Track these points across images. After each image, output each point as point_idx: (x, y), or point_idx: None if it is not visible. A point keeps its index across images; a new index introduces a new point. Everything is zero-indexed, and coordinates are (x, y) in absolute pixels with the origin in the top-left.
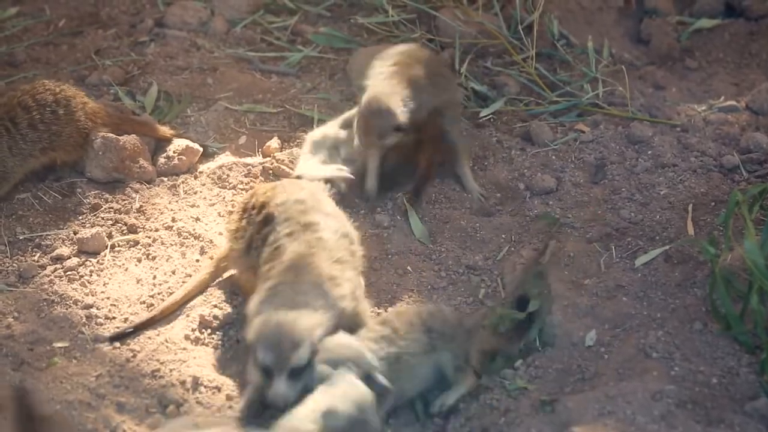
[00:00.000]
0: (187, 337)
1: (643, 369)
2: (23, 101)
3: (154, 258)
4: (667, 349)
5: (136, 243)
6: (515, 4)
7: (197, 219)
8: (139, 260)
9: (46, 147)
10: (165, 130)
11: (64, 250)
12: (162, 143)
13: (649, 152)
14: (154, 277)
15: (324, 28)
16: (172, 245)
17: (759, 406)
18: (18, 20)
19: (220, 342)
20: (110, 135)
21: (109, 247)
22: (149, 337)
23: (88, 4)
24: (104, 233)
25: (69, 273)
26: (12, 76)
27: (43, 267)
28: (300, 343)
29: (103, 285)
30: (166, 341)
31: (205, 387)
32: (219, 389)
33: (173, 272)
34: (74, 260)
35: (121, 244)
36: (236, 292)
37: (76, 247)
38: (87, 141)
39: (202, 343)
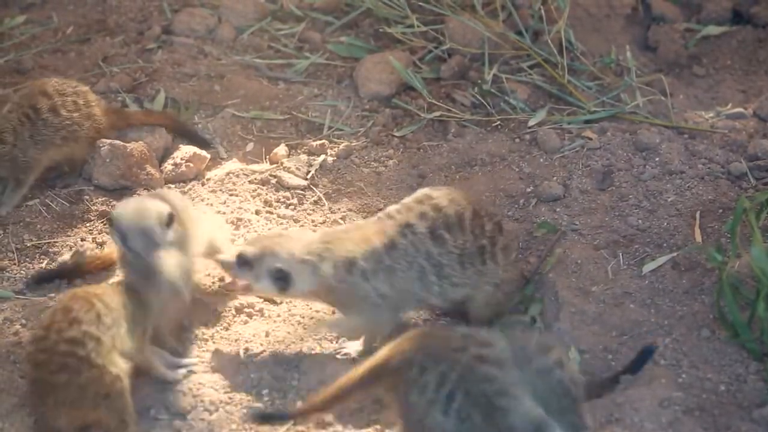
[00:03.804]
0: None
1: (650, 376)
2: (44, 89)
3: None
4: (674, 357)
5: None
6: (525, 13)
7: None
8: None
9: (67, 136)
10: (168, 113)
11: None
12: (170, 150)
13: (657, 159)
14: None
15: (344, 37)
16: None
17: (766, 413)
18: (26, 28)
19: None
20: (117, 142)
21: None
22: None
23: (95, 11)
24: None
25: (76, 280)
26: (20, 83)
27: None
28: None
29: None
30: None
31: (211, 392)
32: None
33: None
34: None
35: None
36: None
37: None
38: (99, 138)
39: (207, 352)
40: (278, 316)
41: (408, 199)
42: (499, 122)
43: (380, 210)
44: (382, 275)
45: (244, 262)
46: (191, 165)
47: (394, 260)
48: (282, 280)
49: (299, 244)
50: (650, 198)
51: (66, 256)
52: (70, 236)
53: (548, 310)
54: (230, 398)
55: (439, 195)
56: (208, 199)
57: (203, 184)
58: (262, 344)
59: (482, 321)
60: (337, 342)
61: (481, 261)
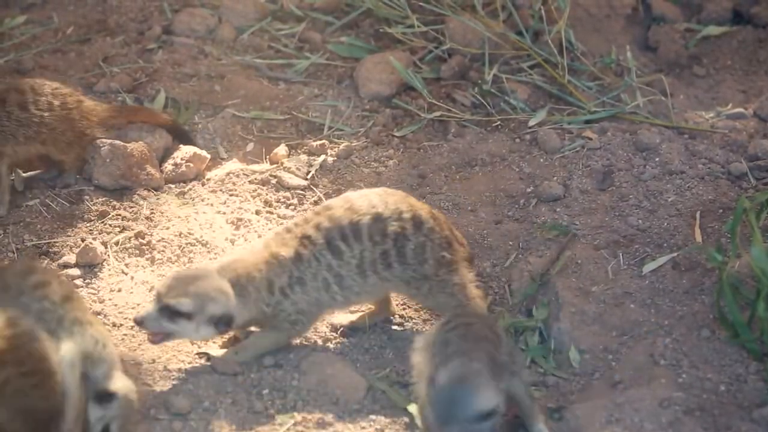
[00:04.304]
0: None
1: (650, 376)
2: (20, 86)
3: (161, 265)
4: (674, 357)
5: (141, 246)
6: (525, 13)
7: (205, 226)
8: (147, 267)
9: (32, 136)
10: (163, 116)
11: (72, 258)
12: (170, 150)
13: (657, 159)
14: None
15: (344, 37)
16: (179, 252)
17: (767, 413)
18: (26, 28)
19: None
20: (117, 142)
21: (115, 253)
22: (159, 344)
23: (95, 11)
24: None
25: (76, 280)
26: None
27: None
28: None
29: (110, 292)
30: (174, 348)
31: (211, 392)
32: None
33: None
34: (82, 267)
35: (129, 249)
36: None
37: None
38: (83, 140)
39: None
40: None
41: (309, 212)
42: (499, 122)
43: None
44: (297, 287)
45: (179, 315)
46: (191, 165)
47: (302, 272)
48: (224, 324)
49: (222, 281)
50: (650, 198)
51: (69, 257)
52: (70, 236)
53: (548, 310)
54: (230, 398)
55: (337, 205)
56: (208, 199)
57: (203, 184)
58: None
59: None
60: (335, 341)
61: (384, 266)
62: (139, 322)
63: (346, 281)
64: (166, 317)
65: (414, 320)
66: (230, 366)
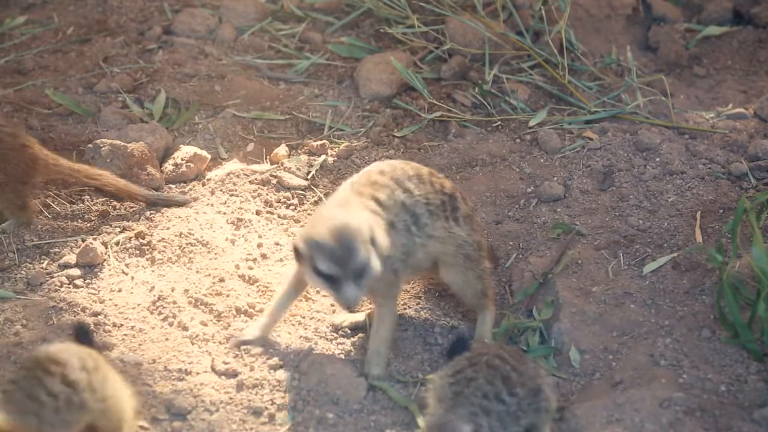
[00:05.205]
0: (193, 342)
1: (651, 376)
2: None
3: (161, 265)
4: (675, 357)
5: (141, 246)
6: (525, 14)
7: (205, 226)
8: (147, 267)
9: None
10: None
11: (72, 258)
12: (170, 150)
13: (657, 159)
14: (162, 285)
15: (345, 37)
16: (179, 252)
17: (767, 413)
18: (26, 28)
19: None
20: (117, 142)
21: (116, 253)
22: (159, 344)
23: (96, 11)
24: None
25: (77, 280)
26: (20, 83)
27: (51, 274)
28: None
29: (110, 292)
30: (175, 348)
31: (211, 392)
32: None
33: (180, 279)
34: (82, 267)
35: (129, 249)
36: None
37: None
38: (20, 188)
39: (207, 352)
40: None
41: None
42: (499, 122)
43: None
44: (392, 231)
45: (366, 266)
46: (192, 165)
47: (389, 216)
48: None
49: (354, 211)
50: (651, 198)
51: (69, 257)
52: (70, 236)
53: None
54: (230, 398)
55: (394, 161)
56: (208, 199)
57: (204, 185)
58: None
59: (468, 301)
60: (336, 341)
61: (444, 217)
62: (350, 306)
63: (421, 219)
64: (361, 277)
65: (414, 320)
66: (380, 369)
